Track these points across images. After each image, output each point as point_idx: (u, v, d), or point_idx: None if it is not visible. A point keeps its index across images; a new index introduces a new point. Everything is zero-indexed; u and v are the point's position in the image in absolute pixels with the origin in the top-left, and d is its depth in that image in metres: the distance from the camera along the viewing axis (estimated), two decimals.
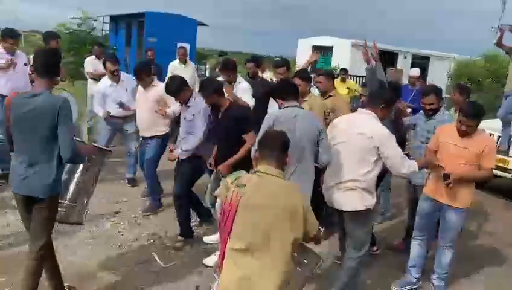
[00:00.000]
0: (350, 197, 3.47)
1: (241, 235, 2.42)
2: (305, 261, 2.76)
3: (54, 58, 3.12)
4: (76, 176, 3.48)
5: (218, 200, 2.64)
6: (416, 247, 4.14)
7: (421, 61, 18.39)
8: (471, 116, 3.65)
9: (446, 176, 3.67)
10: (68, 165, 3.33)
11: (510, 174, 6.86)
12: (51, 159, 2.98)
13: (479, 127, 3.79)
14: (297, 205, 2.44)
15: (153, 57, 8.91)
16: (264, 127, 3.53)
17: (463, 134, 3.73)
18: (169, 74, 8.10)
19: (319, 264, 2.86)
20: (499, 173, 6.88)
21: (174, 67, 8.47)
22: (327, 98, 4.94)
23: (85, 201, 3.59)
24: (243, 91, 5.28)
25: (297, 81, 4.49)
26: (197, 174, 4.64)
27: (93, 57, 7.96)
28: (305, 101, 4.55)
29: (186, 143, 4.47)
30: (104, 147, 3.83)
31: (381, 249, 4.78)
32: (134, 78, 5.52)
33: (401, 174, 3.48)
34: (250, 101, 5.25)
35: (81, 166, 3.45)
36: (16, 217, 4.60)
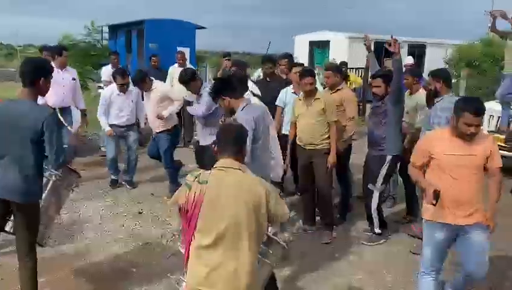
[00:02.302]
0: None
1: (207, 230, 2.38)
2: (270, 252, 2.75)
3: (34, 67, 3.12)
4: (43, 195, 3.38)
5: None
6: (428, 284, 3.35)
7: (418, 50, 18.60)
8: (481, 113, 3.07)
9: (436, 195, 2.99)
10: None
11: None
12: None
13: None
14: (261, 196, 2.41)
15: (157, 63, 9.13)
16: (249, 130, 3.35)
17: (471, 138, 3.10)
18: (169, 78, 8.35)
19: (282, 253, 2.88)
20: (503, 153, 7.13)
21: (174, 71, 8.69)
22: (335, 92, 5.14)
23: (46, 224, 3.50)
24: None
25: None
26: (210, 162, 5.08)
27: (110, 66, 8.18)
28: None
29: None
30: (74, 169, 3.84)
31: (392, 232, 5.01)
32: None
33: None
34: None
35: (49, 186, 3.46)
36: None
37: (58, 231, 4.78)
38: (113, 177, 6.30)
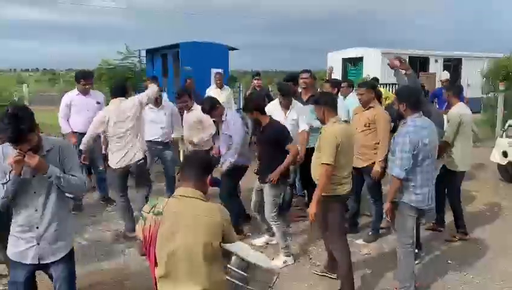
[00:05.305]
0: None
1: (161, 261, 2.34)
2: (257, 280, 2.62)
3: None
4: None
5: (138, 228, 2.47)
6: None
7: (453, 64, 18.34)
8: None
9: None
10: None
11: None
12: None
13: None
14: (218, 225, 2.36)
15: (192, 86, 9.34)
16: None
17: None
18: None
19: (275, 280, 2.76)
20: None
21: (211, 92, 8.97)
22: (367, 109, 5.13)
23: None
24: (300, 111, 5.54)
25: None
26: (237, 179, 5.35)
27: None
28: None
29: (229, 155, 5.12)
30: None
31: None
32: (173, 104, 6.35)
33: None
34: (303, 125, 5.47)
35: None
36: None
37: (98, 248, 5.05)
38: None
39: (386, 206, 3.86)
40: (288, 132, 4.74)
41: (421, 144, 3.65)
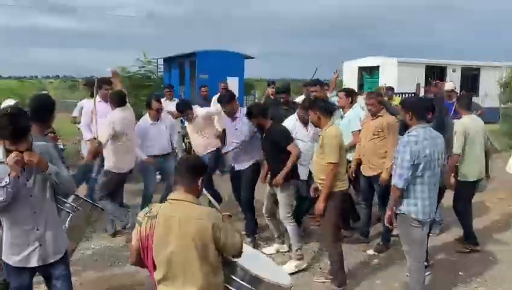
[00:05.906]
0: None
1: (158, 264, 2.42)
2: None
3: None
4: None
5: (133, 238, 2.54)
6: None
7: (471, 73, 18.14)
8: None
9: None
10: None
11: None
12: None
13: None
14: (207, 229, 2.38)
15: (207, 93, 9.40)
16: None
17: None
18: (212, 105, 8.19)
19: None
20: None
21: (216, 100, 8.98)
22: (376, 118, 5.14)
23: None
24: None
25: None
26: (256, 179, 5.37)
27: (164, 99, 8.43)
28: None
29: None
30: (95, 203, 4.03)
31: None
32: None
33: None
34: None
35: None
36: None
37: (110, 253, 5.15)
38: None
39: (387, 215, 3.83)
40: (289, 133, 4.84)
41: (421, 154, 3.60)
